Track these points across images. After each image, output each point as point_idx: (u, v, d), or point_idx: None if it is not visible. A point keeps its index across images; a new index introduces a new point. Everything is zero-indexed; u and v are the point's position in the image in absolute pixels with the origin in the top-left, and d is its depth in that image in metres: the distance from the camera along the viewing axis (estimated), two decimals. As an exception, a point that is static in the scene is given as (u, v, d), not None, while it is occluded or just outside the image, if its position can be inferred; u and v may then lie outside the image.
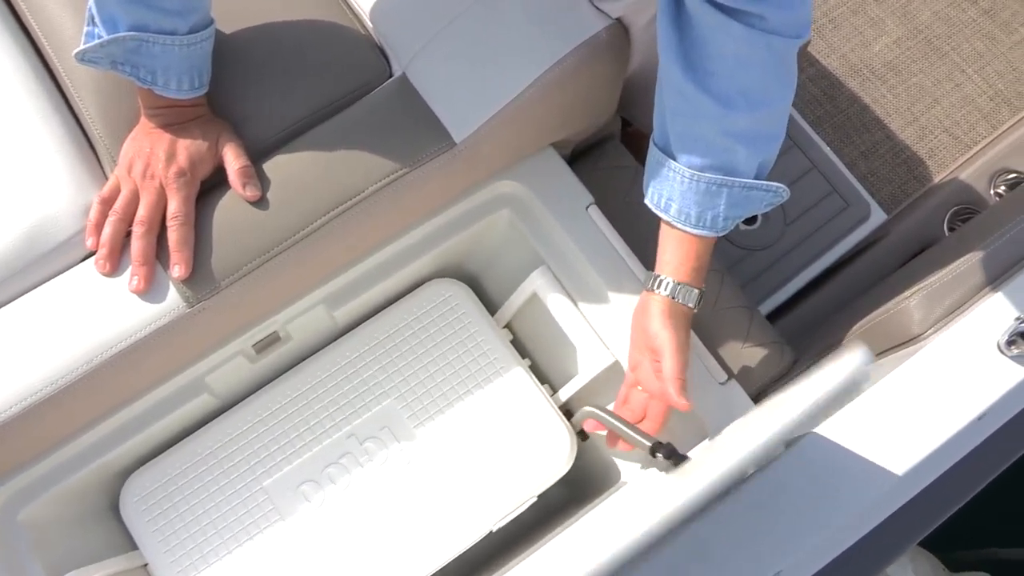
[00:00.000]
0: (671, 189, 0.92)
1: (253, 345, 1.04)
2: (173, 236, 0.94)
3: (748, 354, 1.16)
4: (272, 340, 1.05)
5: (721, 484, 0.71)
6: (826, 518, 0.90)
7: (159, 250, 0.95)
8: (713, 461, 0.76)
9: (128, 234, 0.96)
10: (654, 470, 1.02)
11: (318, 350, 1.10)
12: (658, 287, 0.95)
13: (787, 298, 1.54)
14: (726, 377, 1.07)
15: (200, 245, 0.96)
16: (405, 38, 1.04)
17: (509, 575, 0.93)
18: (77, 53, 0.92)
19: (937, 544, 1.49)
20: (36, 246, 0.96)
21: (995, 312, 0.94)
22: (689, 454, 0.97)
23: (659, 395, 0.96)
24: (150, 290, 0.94)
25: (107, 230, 0.96)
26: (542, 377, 1.15)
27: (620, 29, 1.03)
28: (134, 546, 1.04)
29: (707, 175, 0.90)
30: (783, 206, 1.56)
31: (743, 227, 1.54)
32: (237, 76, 1.02)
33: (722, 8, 0.81)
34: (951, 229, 1.56)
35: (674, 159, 0.92)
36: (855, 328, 1.10)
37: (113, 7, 0.89)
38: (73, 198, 0.98)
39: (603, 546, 0.65)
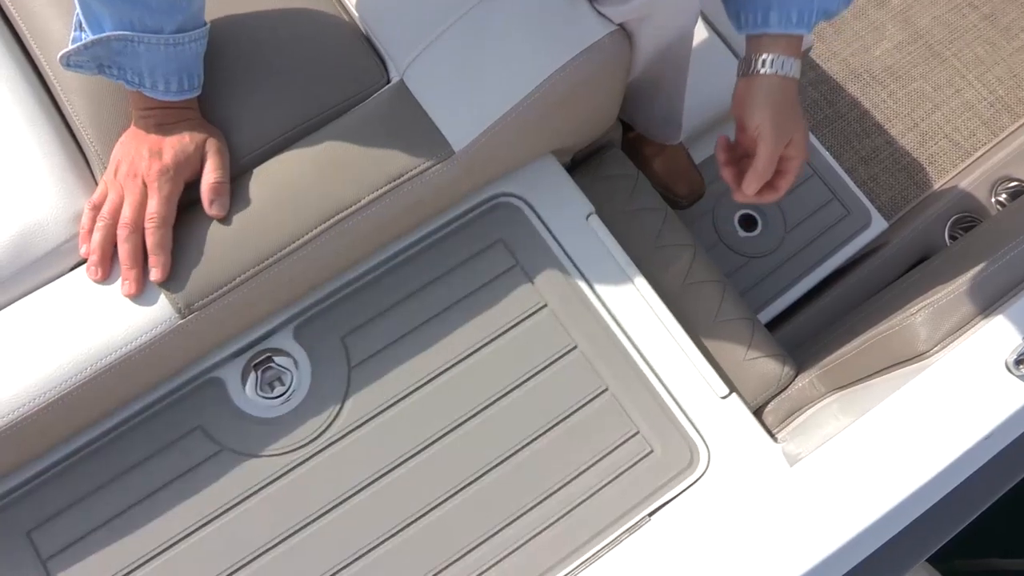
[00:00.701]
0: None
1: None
2: (149, 239, 0.92)
3: (749, 367, 1.15)
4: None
5: None
6: (832, 537, 0.88)
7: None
8: None
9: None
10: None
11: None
12: (760, 66, 0.94)
13: (786, 307, 1.53)
14: (727, 391, 1.05)
15: (192, 252, 0.93)
16: (403, 43, 1.02)
17: None
18: (62, 56, 0.90)
19: (935, 553, 1.48)
20: (24, 255, 0.93)
21: (1003, 330, 0.92)
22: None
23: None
24: (142, 294, 0.92)
25: (96, 236, 0.94)
26: None
27: (623, 35, 1.01)
28: None
29: None
30: (783, 212, 1.55)
31: (743, 234, 1.53)
32: (230, 80, 0.99)
33: None
34: (952, 238, 1.55)
35: None
36: (858, 343, 1.08)
37: (96, 6, 0.87)
38: (62, 205, 0.95)
39: None
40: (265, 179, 0.96)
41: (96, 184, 0.99)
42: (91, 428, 0.99)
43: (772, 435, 1.07)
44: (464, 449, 1.02)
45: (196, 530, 0.97)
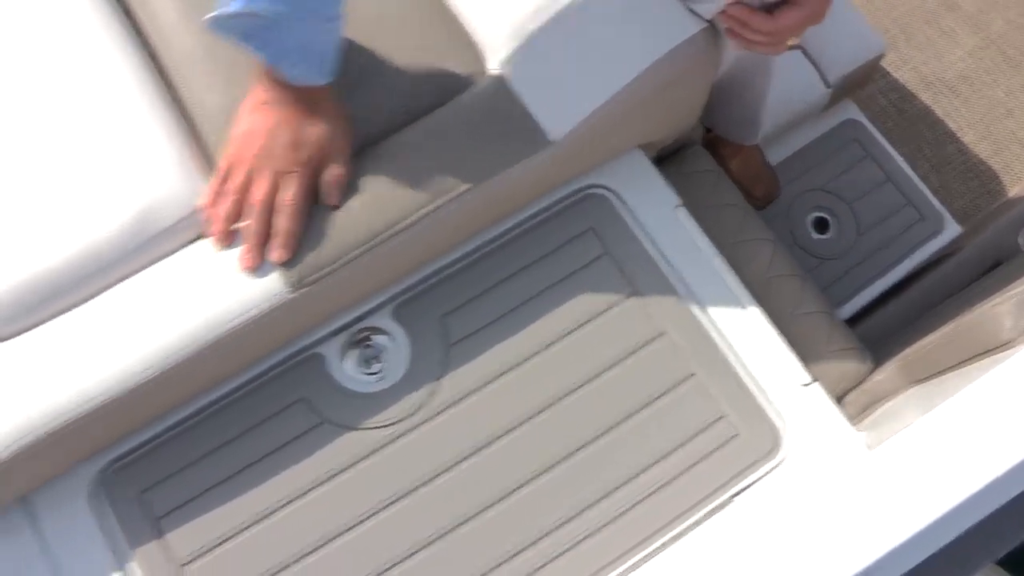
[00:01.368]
0: None
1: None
2: (284, 223, 0.94)
3: (829, 359, 1.17)
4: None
5: None
6: (906, 526, 0.89)
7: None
8: None
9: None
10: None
11: None
12: None
13: (856, 310, 1.54)
14: (810, 379, 1.07)
15: (306, 228, 0.97)
16: (501, 35, 1.06)
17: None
18: (211, 17, 0.87)
19: (1010, 560, 1.47)
20: (145, 230, 0.98)
21: None
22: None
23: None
24: (258, 271, 0.96)
25: (221, 209, 0.96)
26: None
27: (713, 32, 1.04)
28: None
29: None
30: (856, 216, 1.56)
31: (816, 236, 1.55)
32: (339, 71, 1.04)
33: None
34: (1026, 243, 1.55)
35: None
36: (938, 335, 1.09)
37: None
38: (180, 186, 1.00)
39: None
40: (373, 164, 1.01)
41: (210, 166, 1.03)
42: (200, 396, 1.04)
43: (852, 424, 1.09)
44: (554, 430, 1.05)
45: (297, 498, 1.01)
